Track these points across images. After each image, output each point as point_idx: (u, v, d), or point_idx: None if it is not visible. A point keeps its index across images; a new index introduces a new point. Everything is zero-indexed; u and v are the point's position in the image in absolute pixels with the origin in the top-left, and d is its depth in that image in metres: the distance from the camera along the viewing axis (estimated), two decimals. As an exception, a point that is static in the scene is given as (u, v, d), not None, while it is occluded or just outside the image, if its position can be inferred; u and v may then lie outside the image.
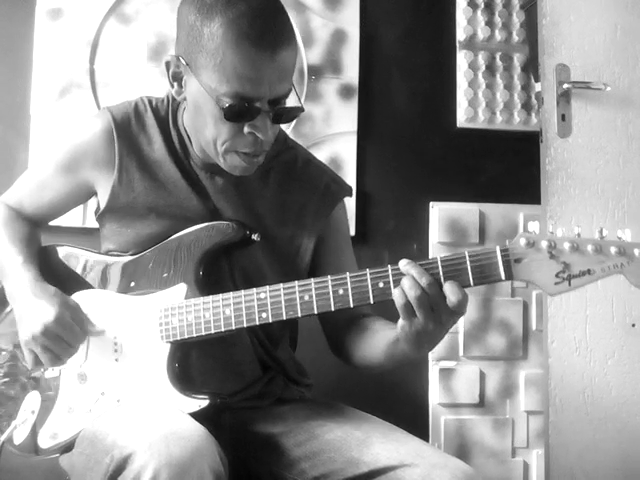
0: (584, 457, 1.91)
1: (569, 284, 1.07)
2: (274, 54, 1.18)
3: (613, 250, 1.06)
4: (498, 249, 1.09)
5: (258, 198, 1.39)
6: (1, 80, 2.04)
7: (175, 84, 1.29)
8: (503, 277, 1.09)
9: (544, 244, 1.08)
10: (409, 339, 1.14)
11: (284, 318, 1.19)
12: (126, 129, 1.37)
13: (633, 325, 1.95)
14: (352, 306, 1.16)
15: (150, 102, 1.41)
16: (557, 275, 1.08)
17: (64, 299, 1.32)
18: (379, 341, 1.27)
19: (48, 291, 1.32)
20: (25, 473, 1.33)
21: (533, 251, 1.08)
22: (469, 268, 1.10)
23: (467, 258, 1.10)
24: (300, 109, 1.28)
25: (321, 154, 2.08)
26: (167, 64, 1.28)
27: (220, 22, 1.18)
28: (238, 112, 1.21)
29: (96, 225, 1.45)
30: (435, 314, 1.10)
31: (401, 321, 1.13)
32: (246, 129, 1.24)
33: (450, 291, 1.09)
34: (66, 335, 1.29)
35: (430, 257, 1.18)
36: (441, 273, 1.10)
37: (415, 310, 1.10)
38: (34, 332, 1.28)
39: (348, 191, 1.48)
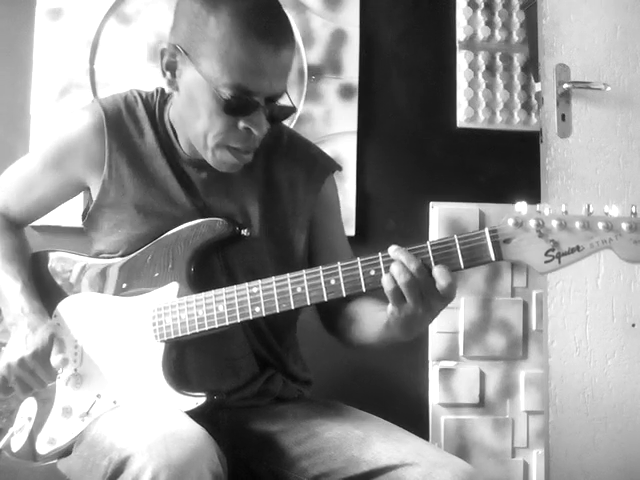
0: (584, 457, 1.91)
1: (559, 262, 1.08)
2: (277, 50, 1.20)
3: (601, 225, 1.07)
4: (487, 230, 1.10)
5: (246, 187, 1.37)
6: (1, 80, 2.03)
7: (168, 73, 1.27)
8: (493, 258, 1.09)
9: (532, 223, 1.08)
10: (399, 324, 1.16)
11: (277, 311, 1.20)
12: (117, 122, 1.35)
13: (633, 325, 1.94)
14: (345, 295, 1.16)
15: (140, 95, 1.40)
16: (547, 253, 1.08)
17: (47, 329, 1.28)
18: (370, 324, 1.28)
19: (42, 318, 1.30)
20: (24, 475, 1.33)
21: (521, 231, 1.09)
22: (459, 251, 1.11)
23: (457, 241, 1.11)
24: (293, 109, 1.29)
25: (321, 154, 2.08)
26: (162, 52, 1.27)
27: (227, 12, 1.18)
28: (237, 105, 1.21)
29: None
30: (424, 299, 1.11)
31: (390, 307, 1.14)
32: (242, 124, 1.23)
33: (439, 275, 1.09)
34: (40, 373, 1.26)
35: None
36: (431, 258, 1.11)
37: (405, 295, 1.11)
38: (10, 362, 1.25)
39: (336, 165, 1.47)
